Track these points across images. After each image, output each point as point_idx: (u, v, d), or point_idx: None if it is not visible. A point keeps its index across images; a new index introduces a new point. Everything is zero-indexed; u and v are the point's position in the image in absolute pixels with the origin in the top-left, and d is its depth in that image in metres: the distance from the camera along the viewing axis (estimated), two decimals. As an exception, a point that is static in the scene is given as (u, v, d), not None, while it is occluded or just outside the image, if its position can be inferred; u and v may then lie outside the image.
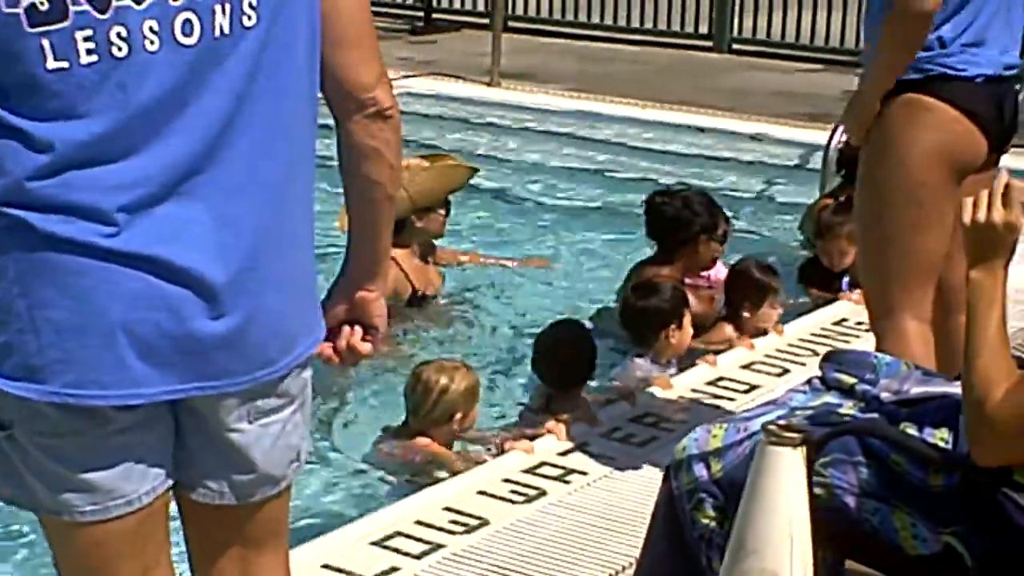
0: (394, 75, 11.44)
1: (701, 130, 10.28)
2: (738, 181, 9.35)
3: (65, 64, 2.23)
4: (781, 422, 2.67)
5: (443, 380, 5.01)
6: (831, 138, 7.98)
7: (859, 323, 6.16)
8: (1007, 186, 2.94)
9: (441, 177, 6.85)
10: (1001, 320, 2.87)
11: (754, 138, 10.10)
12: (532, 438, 4.89)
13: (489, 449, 5.07)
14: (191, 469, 2.50)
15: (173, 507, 2.54)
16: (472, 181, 7.22)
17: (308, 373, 2.56)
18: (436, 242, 7.04)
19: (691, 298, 6.32)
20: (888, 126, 4.14)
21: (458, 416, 5.03)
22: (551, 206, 8.79)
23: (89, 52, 2.23)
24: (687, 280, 6.59)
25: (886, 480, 3.00)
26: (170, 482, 2.49)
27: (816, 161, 8.50)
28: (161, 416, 2.42)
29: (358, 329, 2.66)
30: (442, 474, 4.86)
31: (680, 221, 6.51)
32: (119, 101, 2.25)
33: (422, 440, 5.04)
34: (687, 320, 5.84)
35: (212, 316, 2.35)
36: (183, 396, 2.39)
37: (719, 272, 6.65)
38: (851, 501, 3.03)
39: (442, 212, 6.86)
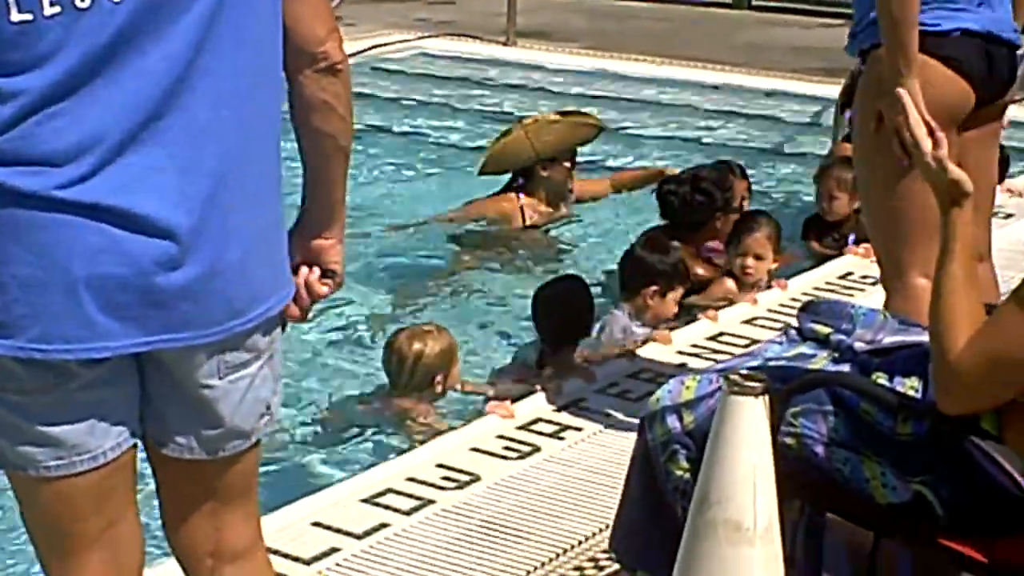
0: (411, 36, 11.53)
1: (716, 87, 10.25)
2: (753, 136, 9.33)
3: (29, 16, 2.24)
4: (743, 371, 2.65)
5: (416, 346, 5.01)
6: (842, 93, 7.96)
7: (864, 277, 6.14)
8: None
9: (567, 131, 7.38)
10: (965, 268, 2.86)
11: (769, 94, 10.07)
12: (526, 395, 4.88)
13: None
14: (159, 424, 2.51)
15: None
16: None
17: (277, 327, 2.56)
18: None
19: (698, 267, 6.33)
20: (870, 86, 4.12)
21: (438, 379, 5.02)
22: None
23: (52, 3, 2.25)
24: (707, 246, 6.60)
25: (855, 429, 2.99)
26: (135, 438, 2.50)
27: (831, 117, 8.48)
28: (127, 371, 2.43)
29: (316, 269, 2.65)
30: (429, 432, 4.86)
31: (691, 206, 6.56)
32: (80, 50, 2.26)
33: (403, 400, 5.04)
34: (674, 294, 5.77)
35: (174, 266, 2.34)
36: (149, 348, 2.38)
37: None
38: (821, 451, 3.02)
39: (567, 164, 7.37)
